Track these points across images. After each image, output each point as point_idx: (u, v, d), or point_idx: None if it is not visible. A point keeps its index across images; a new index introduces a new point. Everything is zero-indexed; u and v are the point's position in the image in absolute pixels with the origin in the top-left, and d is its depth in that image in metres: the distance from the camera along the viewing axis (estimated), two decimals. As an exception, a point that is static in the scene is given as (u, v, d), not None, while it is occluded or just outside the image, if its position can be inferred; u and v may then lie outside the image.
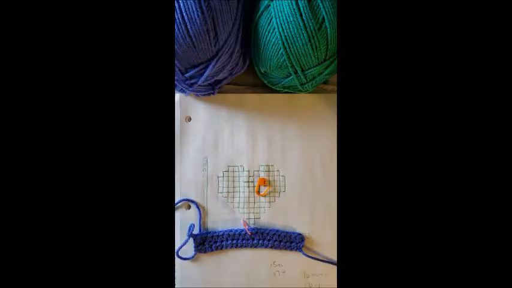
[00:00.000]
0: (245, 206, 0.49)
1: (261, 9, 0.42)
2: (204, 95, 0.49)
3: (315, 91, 0.50)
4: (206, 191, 0.49)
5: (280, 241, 0.47)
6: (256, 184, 0.49)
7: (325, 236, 0.48)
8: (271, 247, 0.47)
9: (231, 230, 0.48)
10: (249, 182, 0.49)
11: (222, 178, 0.49)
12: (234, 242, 0.47)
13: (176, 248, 0.46)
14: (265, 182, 0.49)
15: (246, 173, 0.49)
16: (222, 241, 0.47)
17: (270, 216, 0.49)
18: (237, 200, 0.49)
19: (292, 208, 0.49)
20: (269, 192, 0.49)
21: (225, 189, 0.49)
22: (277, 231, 0.48)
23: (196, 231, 0.47)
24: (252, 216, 0.49)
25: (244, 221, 0.48)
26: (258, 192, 0.49)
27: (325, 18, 0.40)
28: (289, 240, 0.47)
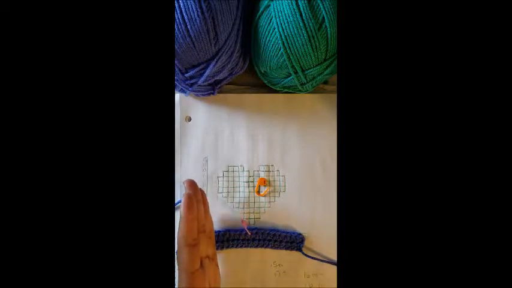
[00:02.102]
0: (245, 206, 0.49)
1: (261, 9, 0.42)
2: (204, 95, 0.49)
3: (315, 91, 0.50)
4: (206, 191, 0.49)
5: (281, 241, 0.47)
6: (256, 184, 0.49)
7: (325, 236, 0.48)
8: (271, 247, 0.47)
9: (231, 230, 0.48)
10: (249, 182, 0.49)
11: (222, 178, 0.49)
12: (234, 242, 0.47)
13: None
14: (265, 182, 0.49)
15: (246, 173, 0.49)
16: (222, 241, 0.47)
17: (270, 216, 0.49)
18: (237, 200, 0.49)
19: (292, 208, 0.49)
20: (269, 192, 0.49)
21: (225, 189, 0.49)
22: (277, 231, 0.48)
23: (196, 231, 0.47)
24: (252, 216, 0.49)
25: (244, 221, 0.48)
26: (258, 192, 0.49)
27: (325, 18, 0.40)
28: (289, 240, 0.47)
